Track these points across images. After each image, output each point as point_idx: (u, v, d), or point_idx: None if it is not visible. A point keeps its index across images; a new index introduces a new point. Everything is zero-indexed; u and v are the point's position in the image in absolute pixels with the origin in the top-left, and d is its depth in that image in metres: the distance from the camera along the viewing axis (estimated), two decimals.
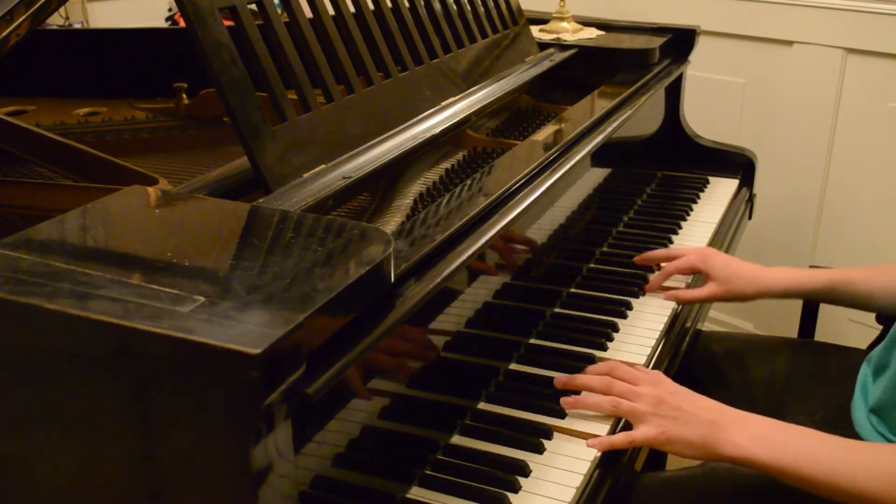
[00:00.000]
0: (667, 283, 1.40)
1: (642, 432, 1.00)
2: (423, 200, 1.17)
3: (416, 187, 1.21)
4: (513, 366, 1.18)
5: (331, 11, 1.18)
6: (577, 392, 1.09)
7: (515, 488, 0.95)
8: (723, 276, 1.34)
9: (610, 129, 1.40)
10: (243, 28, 1.02)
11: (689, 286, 1.42)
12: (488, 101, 1.42)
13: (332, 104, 1.11)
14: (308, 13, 1.14)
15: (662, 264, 1.43)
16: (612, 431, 1.04)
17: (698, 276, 1.42)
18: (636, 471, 1.08)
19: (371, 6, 1.28)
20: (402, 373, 0.94)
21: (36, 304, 0.67)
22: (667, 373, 1.23)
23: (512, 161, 1.20)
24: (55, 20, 2.66)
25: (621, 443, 1.01)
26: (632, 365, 1.12)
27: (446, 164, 1.30)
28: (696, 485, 1.13)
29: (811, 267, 1.59)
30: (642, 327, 1.29)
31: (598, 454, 1.00)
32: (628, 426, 1.04)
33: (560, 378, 1.11)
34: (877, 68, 2.07)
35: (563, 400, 1.07)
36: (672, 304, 1.35)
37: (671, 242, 1.59)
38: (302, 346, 0.66)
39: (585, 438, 1.02)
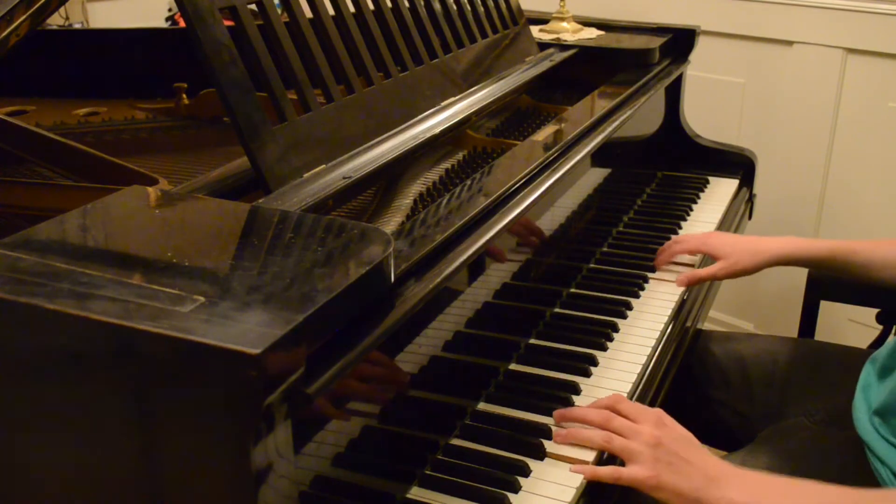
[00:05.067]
0: (676, 269, 1.45)
1: (631, 472, 0.94)
2: (423, 200, 1.17)
3: (416, 187, 1.21)
4: (513, 366, 1.18)
5: (331, 11, 1.18)
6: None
7: (515, 488, 0.95)
8: (728, 253, 1.39)
9: (610, 129, 1.40)
10: (243, 28, 1.02)
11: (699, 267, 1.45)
12: (488, 101, 1.42)
13: (332, 104, 1.11)
14: (308, 13, 1.14)
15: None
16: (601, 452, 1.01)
17: (706, 261, 1.46)
18: None
19: (371, 6, 1.28)
20: (402, 375, 0.94)
21: (36, 304, 0.67)
22: (666, 373, 1.23)
23: (512, 161, 1.20)
24: (55, 20, 2.66)
25: (606, 476, 0.96)
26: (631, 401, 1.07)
27: (446, 164, 1.30)
28: None
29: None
30: (642, 327, 1.29)
31: (597, 455, 1.00)
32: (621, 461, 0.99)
33: (559, 411, 1.05)
34: (877, 68, 2.07)
35: (556, 433, 1.02)
36: (672, 304, 1.35)
37: None
38: (302, 346, 0.66)
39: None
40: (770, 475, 0.95)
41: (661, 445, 0.95)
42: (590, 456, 1.00)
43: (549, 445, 1.01)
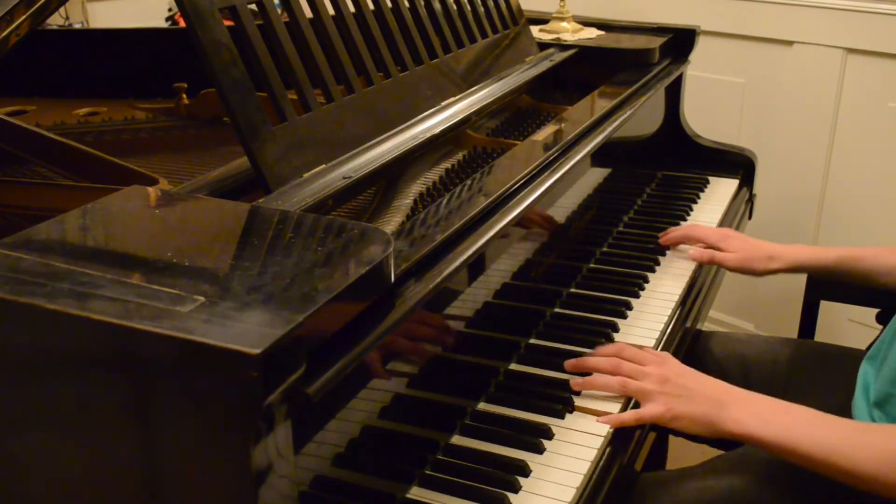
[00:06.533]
0: (680, 263, 1.49)
1: (650, 410, 1.04)
2: (423, 200, 1.17)
3: (416, 187, 1.21)
4: (513, 366, 1.18)
5: (331, 11, 1.18)
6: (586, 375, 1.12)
7: (515, 488, 0.95)
8: (741, 249, 1.44)
9: (610, 129, 1.40)
10: (243, 28, 1.02)
11: (696, 271, 1.48)
12: (488, 101, 1.42)
13: (332, 104, 1.11)
14: (308, 13, 1.14)
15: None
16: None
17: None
18: (636, 470, 1.09)
19: (371, 6, 1.28)
20: (409, 359, 0.94)
21: (36, 304, 0.67)
22: None
23: (512, 161, 1.20)
24: (55, 20, 2.66)
25: (630, 420, 1.05)
26: (640, 347, 1.16)
27: (446, 164, 1.30)
28: (695, 484, 1.13)
29: None
30: (642, 327, 1.29)
31: (598, 452, 1.00)
32: (635, 409, 1.07)
33: (570, 361, 1.14)
34: (877, 68, 2.07)
35: (573, 381, 1.11)
36: (672, 305, 1.35)
37: None
38: (302, 347, 0.66)
39: (585, 438, 1.03)
40: (774, 399, 1.03)
41: (669, 381, 1.06)
42: (597, 442, 1.02)
43: (549, 445, 1.01)
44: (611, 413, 1.06)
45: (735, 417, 0.99)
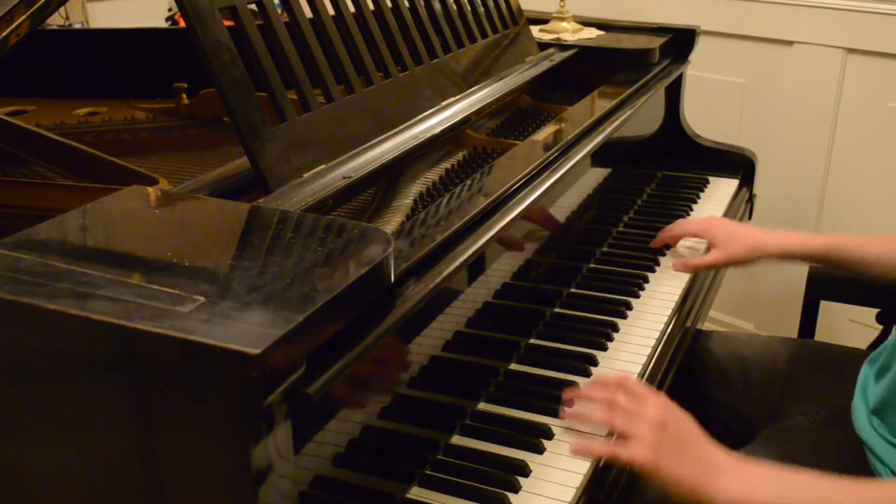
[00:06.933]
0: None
1: (630, 452, 0.92)
2: (423, 200, 1.17)
3: (416, 187, 1.21)
4: (513, 366, 1.18)
5: (331, 11, 1.18)
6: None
7: (515, 488, 0.95)
8: (724, 242, 1.40)
9: (610, 129, 1.40)
10: (243, 28, 1.02)
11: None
12: (488, 101, 1.42)
13: (332, 104, 1.11)
14: (308, 13, 1.14)
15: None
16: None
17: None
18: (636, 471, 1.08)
19: (371, 6, 1.28)
20: (402, 375, 0.94)
21: (36, 304, 0.67)
22: (666, 373, 1.23)
23: (512, 161, 1.20)
24: (55, 20, 2.66)
25: (602, 453, 0.96)
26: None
27: (446, 164, 1.30)
28: None
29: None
30: (642, 327, 1.29)
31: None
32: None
33: (568, 390, 1.06)
34: (877, 68, 2.07)
35: (562, 411, 1.04)
36: (672, 305, 1.35)
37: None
38: (302, 346, 0.66)
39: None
40: (767, 466, 0.93)
41: (666, 430, 0.93)
42: (603, 431, 1.01)
43: (549, 445, 1.01)
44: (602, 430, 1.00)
45: (727, 487, 0.88)
